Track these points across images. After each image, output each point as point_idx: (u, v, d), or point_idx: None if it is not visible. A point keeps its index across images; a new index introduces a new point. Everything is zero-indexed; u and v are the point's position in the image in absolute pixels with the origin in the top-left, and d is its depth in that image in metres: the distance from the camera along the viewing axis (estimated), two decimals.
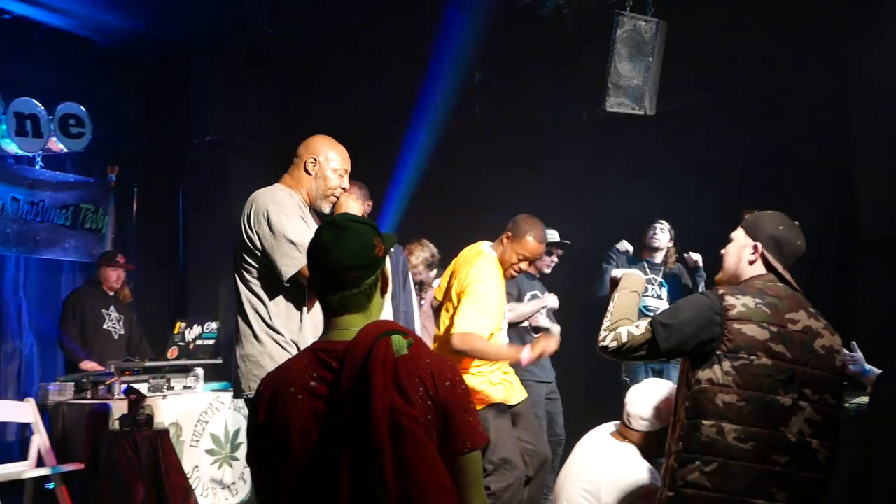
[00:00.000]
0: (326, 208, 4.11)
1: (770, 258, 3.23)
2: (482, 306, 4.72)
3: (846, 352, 4.53)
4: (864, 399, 4.74)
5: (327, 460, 2.05)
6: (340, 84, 8.62)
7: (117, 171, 8.78)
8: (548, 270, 6.66)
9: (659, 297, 6.99)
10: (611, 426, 4.10)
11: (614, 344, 3.16)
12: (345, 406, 2.06)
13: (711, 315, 3.05)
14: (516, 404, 5.10)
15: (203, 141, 8.94)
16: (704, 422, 3.01)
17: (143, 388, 6.34)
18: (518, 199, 6.52)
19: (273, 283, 3.87)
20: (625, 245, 7.01)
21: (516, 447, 4.96)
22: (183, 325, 7.00)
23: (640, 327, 3.16)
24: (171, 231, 9.30)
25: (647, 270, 7.00)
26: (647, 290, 7.02)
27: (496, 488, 4.74)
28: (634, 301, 3.37)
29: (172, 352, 6.90)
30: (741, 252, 3.29)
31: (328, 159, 4.09)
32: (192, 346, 6.99)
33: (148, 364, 6.77)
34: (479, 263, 4.92)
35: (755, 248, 3.25)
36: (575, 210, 7.69)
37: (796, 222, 3.31)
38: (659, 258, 7.02)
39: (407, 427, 2.06)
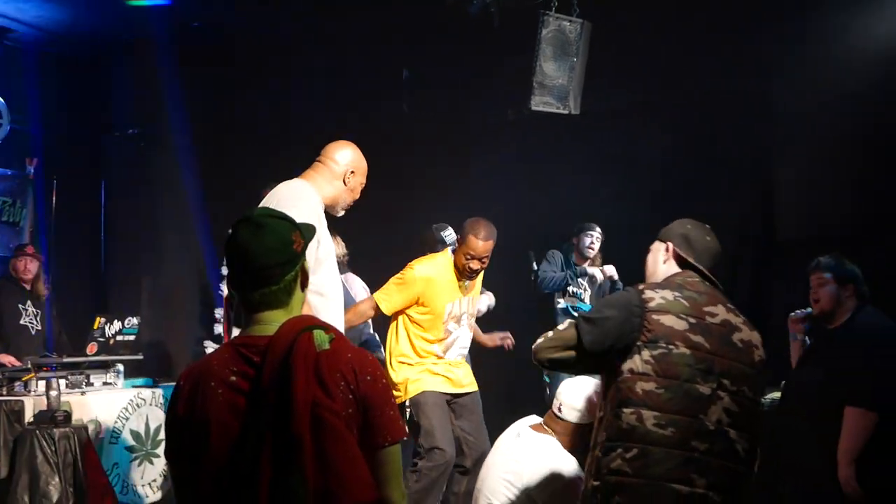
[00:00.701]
0: (340, 214, 4.26)
1: (682, 254, 3.33)
2: (391, 286, 5.24)
3: (799, 312, 4.69)
4: (777, 394, 4.88)
5: (247, 454, 2.05)
6: (265, 78, 8.55)
7: (35, 163, 8.59)
8: None
9: (582, 300, 7.14)
10: (531, 419, 4.16)
11: (541, 340, 3.24)
12: (266, 400, 2.06)
13: (631, 307, 3.14)
14: (460, 395, 5.34)
15: (125, 133, 8.80)
16: (625, 409, 3.08)
17: (61, 384, 6.22)
18: (444, 196, 6.55)
19: None
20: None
21: (448, 435, 5.13)
22: (102, 320, 6.87)
23: (565, 324, 3.24)
24: (91, 225, 9.14)
25: (577, 273, 7.13)
26: (575, 293, 7.14)
27: (423, 466, 4.97)
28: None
29: (91, 347, 6.77)
30: (656, 255, 3.41)
31: (359, 174, 4.24)
32: (112, 341, 6.87)
33: (66, 360, 6.64)
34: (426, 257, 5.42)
35: (667, 248, 3.37)
36: (501, 207, 7.74)
37: (707, 225, 3.42)
38: (587, 264, 7.22)
39: (328, 421, 2.06)
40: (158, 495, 6.87)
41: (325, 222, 4.06)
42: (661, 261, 3.38)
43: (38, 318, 7.28)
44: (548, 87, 6.44)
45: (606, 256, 7.24)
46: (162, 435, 6.79)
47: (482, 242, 5.17)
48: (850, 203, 6.09)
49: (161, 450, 6.80)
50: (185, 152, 8.95)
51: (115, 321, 6.95)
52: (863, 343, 4.05)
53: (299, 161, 7.61)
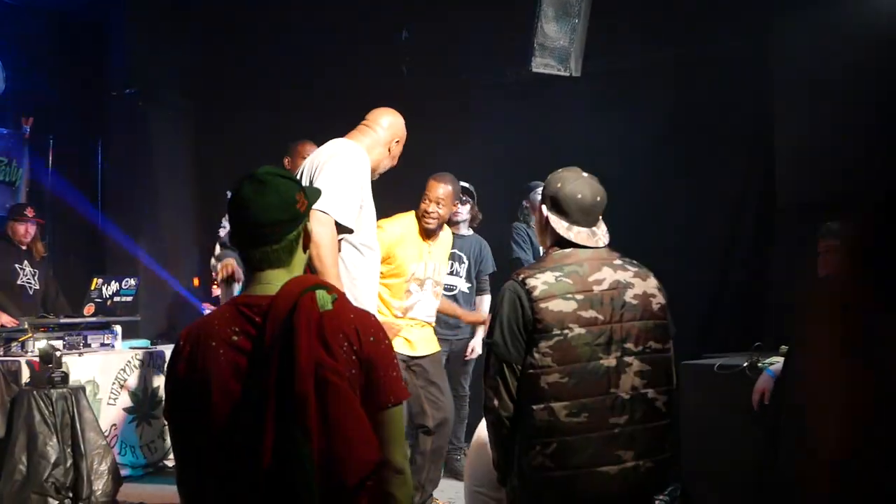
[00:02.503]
0: (375, 178, 4.32)
1: (554, 226, 3.19)
2: None
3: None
4: (779, 359, 4.87)
5: (250, 414, 2.04)
6: (264, 37, 8.48)
7: (32, 122, 8.53)
8: (459, 219, 6.43)
9: None
10: None
11: (490, 403, 3.11)
12: (268, 360, 2.05)
13: (518, 301, 3.05)
14: (420, 357, 5.39)
15: (122, 93, 8.74)
16: (535, 406, 3.00)
17: (58, 345, 6.22)
18: (443, 158, 6.49)
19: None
20: None
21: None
22: (100, 280, 6.85)
23: (489, 370, 3.13)
24: (89, 185, 9.09)
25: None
26: None
27: None
28: None
29: (89, 308, 6.76)
30: (539, 217, 3.29)
31: (402, 142, 4.34)
32: (109, 302, 6.86)
33: (63, 320, 6.64)
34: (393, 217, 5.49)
35: (541, 210, 3.25)
36: (499, 169, 7.71)
37: (585, 174, 3.26)
38: None
39: (331, 381, 2.05)
40: (157, 456, 6.90)
41: (369, 184, 4.12)
42: (541, 223, 3.26)
43: (35, 278, 7.24)
44: (549, 48, 6.37)
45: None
46: (160, 396, 6.81)
47: (435, 182, 5.41)
48: (851, 168, 6.05)
49: (159, 411, 6.81)
50: (183, 112, 8.89)
51: (113, 282, 6.94)
52: None
53: (297, 121, 7.61)
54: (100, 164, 9.06)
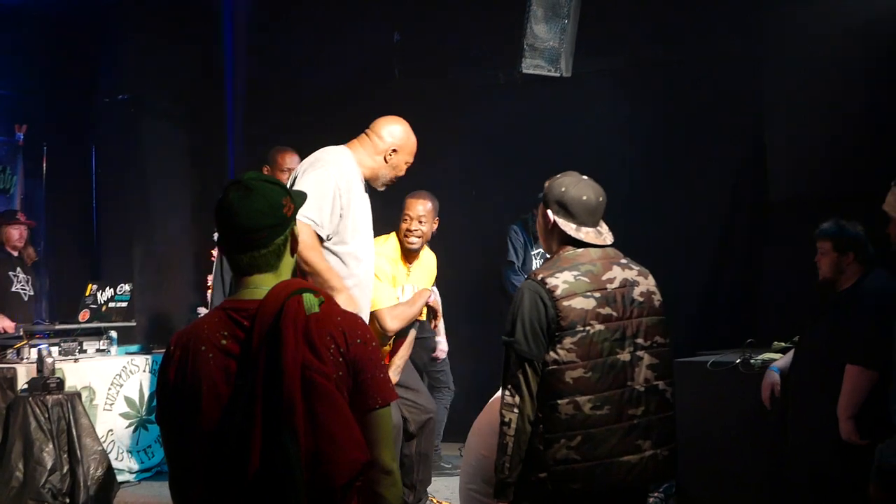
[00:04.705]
0: (380, 189, 4.27)
1: (562, 227, 3.27)
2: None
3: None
4: (768, 355, 4.90)
5: (238, 417, 2.06)
6: (254, 43, 8.50)
7: (25, 129, 8.52)
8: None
9: None
10: None
11: (507, 401, 3.17)
12: (256, 363, 2.07)
13: (540, 300, 3.14)
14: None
15: (115, 99, 8.74)
16: (560, 401, 3.11)
17: (53, 351, 6.24)
18: (435, 160, 6.50)
19: None
20: None
21: None
22: (94, 287, 6.87)
23: (510, 368, 3.18)
24: (82, 191, 9.10)
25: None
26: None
27: None
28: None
29: (84, 314, 6.78)
30: (542, 221, 3.36)
31: (402, 153, 4.22)
32: (104, 308, 6.88)
33: (59, 327, 6.65)
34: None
35: (547, 215, 3.31)
36: (491, 172, 7.73)
37: (585, 177, 3.36)
38: None
39: (318, 383, 2.07)
40: (153, 461, 6.92)
41: (357, 190, 4.07)
42: (546, 227, 3.33)
43: (29, 284, 7.26)
44: (539, 49, 6.40)
45: None
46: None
47: (413, 200, 5.29)
48: (842, 163, 6.07)
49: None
50: (176, 117, 8.89)
51: (108, 288, 6.95)
52: (866, 305, 4.08)
53: (290, 126, 7.62)
54: (93, 170, 9.07)
